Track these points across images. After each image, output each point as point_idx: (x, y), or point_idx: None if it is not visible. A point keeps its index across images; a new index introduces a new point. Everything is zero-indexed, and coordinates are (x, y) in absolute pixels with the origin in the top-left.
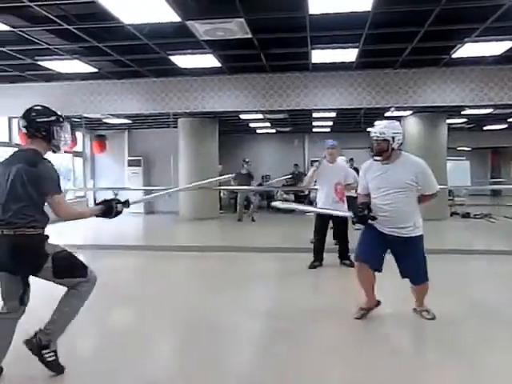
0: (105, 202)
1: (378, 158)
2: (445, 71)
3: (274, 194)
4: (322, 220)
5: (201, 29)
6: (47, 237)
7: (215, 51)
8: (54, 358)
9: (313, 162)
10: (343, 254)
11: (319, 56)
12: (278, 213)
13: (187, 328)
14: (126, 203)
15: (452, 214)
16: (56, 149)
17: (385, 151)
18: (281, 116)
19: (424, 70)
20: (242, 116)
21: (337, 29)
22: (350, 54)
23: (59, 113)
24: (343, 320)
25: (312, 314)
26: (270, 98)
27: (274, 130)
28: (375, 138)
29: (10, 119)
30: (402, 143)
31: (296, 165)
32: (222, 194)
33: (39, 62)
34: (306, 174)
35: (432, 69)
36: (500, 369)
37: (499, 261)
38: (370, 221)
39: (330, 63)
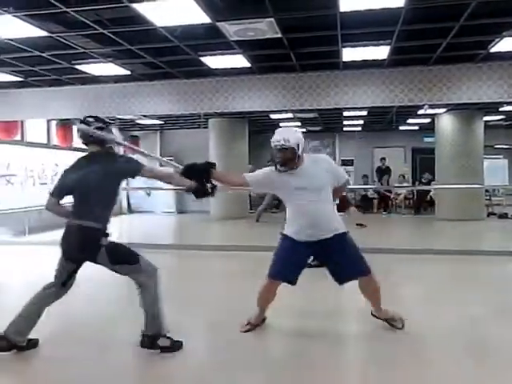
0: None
1: (283, 167)
2: (481, 67)
3: None
4: None
5: (231, 29)
6: (107, 234)
7: (245, 51)
8: (167, 342)
9: (343, 161)
10: None
11: (350, 54)
12: None
13: (222, 328)
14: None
15: (489, 214)
16: (111, 150)
17: (291, 160)
18: (311, 115)
19: (459, 66)
20: (272, 116)
21: (368, 26)
22: (381, 52)
23: (105, 118)
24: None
25: (345, 314)
26: (300, 98)
27: (304, 130)
28: (279, 146)
29: (48, 121)
30: (303, 149)
31: None
32: (252, 194)
33: (75, 66)
34: None
35: (468, 65)
36: None
37: None
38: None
39: (361, 61)
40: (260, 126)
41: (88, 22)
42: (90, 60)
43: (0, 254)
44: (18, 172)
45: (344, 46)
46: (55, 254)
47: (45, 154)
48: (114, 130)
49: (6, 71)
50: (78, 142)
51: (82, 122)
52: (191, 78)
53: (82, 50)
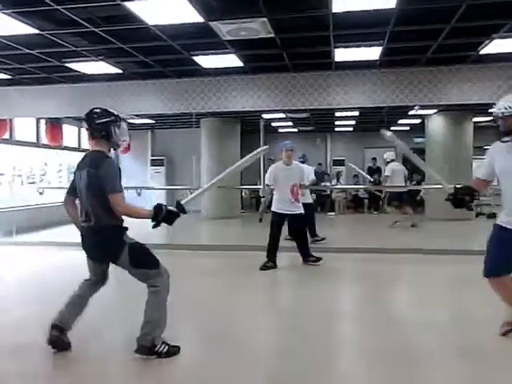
0: (156, 206)
1: (507, 138)
2: (471, 68)
3: None
4: (276, 218)
5: (224, 29)
6: (126, 228)
7: (238, 51)
8: (166, 348)
9: (335, 161)
10: (304, 253)
11: (342, 54)
12: None
13: (223, 328)
14: (179, 207)
15: (478, 214)
16: (116, 146)
17: None
18: (303, 115)
19: (450, 67)
20: (265, 115)
21: (360, 27)
22: (373, 52)
23: (116, 113)
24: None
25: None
26: (292, 98)
27: (296, 130)
28: (501, 114)
29: (38, 120)
30: None
31: (319, 164)
32: (243, 194)
33: (66, 64)
34: (328, 174)
35: (458, 66)
36: None
37: None
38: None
39: (353, 61)
40: (252, 126)
41: (79, 19)
42: (80, 58)
43: None
44: (5, 171)
45: (336, 47)
46: (43, 255)
47: (33, 153)
48: (124, 126)
49: None
50: (68, 141)
51: (88, 113)
52: (183, 77)
53: (73, 48)
